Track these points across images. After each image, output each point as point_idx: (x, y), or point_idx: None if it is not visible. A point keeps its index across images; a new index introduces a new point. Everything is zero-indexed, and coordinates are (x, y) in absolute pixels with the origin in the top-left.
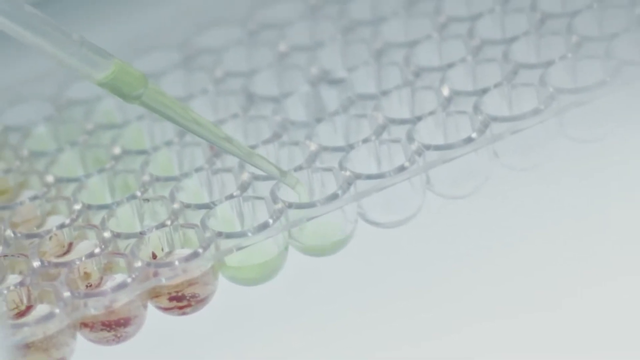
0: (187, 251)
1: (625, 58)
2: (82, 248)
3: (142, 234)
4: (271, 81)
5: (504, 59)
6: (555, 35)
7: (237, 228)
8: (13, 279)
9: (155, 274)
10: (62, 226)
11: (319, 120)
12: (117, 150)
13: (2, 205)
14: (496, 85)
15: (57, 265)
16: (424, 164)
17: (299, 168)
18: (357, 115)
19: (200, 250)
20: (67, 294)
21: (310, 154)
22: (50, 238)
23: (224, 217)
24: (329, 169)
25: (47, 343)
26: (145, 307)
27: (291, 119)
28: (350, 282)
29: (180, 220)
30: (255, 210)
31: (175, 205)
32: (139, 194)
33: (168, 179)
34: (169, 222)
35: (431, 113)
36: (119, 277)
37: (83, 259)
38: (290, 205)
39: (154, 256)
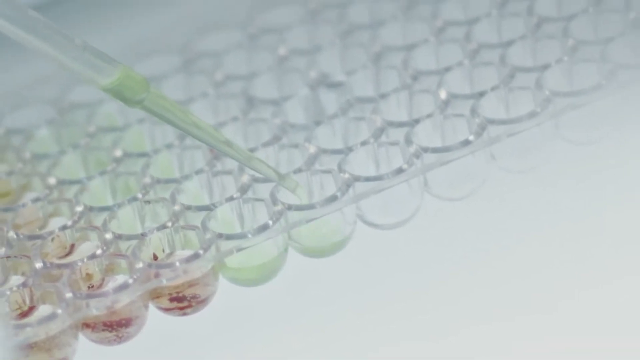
0: (187, 252)
1: (620, 61)
2: (84, 249)
3: (143, 235)
4: (271, 84)
5: (500, 62)
6: (551, 39)
7: (237, 230)
8: (16, 280)
9: (157, 275)
10: (64, 228)
11: (318, 123)
12: (118, 153)
13: (4, 207)
14: (493, 89)
15: (59, 266)
16: (421, 166)
17: (299, 170)
18: (355, 118)
19: (201, 252)
20: (69, 294)
21: (310, 156)
22: (53, 239)
23: (224, 218)
24: (328, 171)
25: (50, 343)
26: (146, 307)
27: (291, 121)
28: (349, 283)
29: (181, 222)
30: (255, 212)
31: (176, 207)
32: (140, 196)
33: (169, 181)
34: (169, 224)
35: (429, 116)
36: (120, 278)
37: (85, 260)
38: (289, 207)
39: (155, 257)
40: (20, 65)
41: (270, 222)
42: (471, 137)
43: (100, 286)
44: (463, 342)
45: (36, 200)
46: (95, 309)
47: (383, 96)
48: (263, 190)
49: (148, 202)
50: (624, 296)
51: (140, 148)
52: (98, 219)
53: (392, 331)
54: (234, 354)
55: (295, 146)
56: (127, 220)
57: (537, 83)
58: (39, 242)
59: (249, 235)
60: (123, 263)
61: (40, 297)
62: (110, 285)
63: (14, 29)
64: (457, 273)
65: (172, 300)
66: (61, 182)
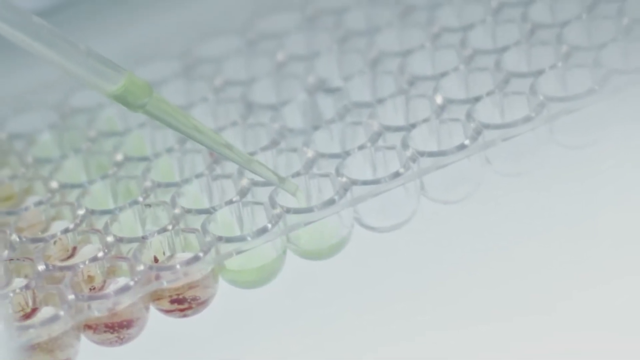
0: (188, 255)
1: (613, 67)
2: (85, 252)
3: (144, 238)
4: (269, 90)
5: (495, 68)
6: (545, 45)
7: (237, 232)
8: (19, 282)
9: (157, 277)
10: (66, 231)
11: (316, 128)
12: (119, 157)
13: (7, 210)
14: (488, 94)
15: (61, 268)
16: (418, 170)
17: (297, 174)
18: (353, 122)
19: (201, 254)
20: (71, 296)
21: (308, 160)
22: (55, 242)
23: (224, 221)
24: (325, 175)
25: (52, 344)
26: (147, 309)
27: (289, 126)
28: (347, 285)
29: (181, 225)
30: (254, 215)
31: (176, 211)
32: (141, 199)
33: (169, 185)
34: (170, 227)
35: (425, 120)
36: (121, 281)
37: (87, 262)
38: (288, 210)
39: (156, 260)
40: (22, 70)
41: (269, 225)
42: (467, 142)
43: (101, 288)
44: (461, 343)
45: (38, 203)
46: (97, 311)
47: (380, 101)
48: (262, 193)
49: (149, 205)
50: (620, 297)
51: (141, 152)
52: (99, 222)
53: (390, 332)
54: (234, 355)
55: (294, 150)
56: (128, 223)
57: (531, 88)
58: (41, 245)
59: (249, 238)
60: (124, 265)
61: (42, 299)
62: (111, 287)
63: (19, 35)
64: (453, 275)
65: (172, 302)
66: (63, 186)
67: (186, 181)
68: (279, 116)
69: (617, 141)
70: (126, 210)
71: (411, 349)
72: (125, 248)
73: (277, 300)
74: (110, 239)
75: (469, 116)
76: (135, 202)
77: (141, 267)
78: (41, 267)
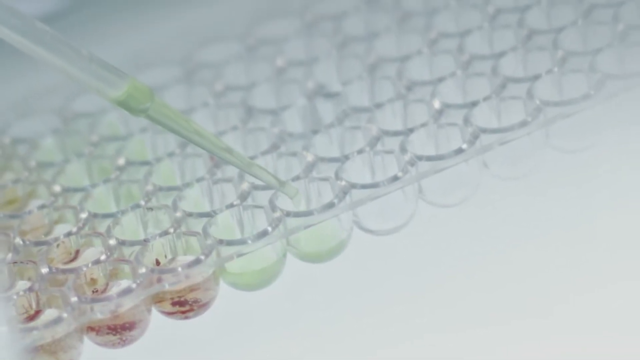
0: (189, 258)
1: (608, 72)
2: (88, 255)
3: (146, 241)
4: (269, 95)
5: (492, 73)
6: (541, 50)
7: (237, 236)
8: (22, 284)
9: (159, 280)
10: (69, 234)
11: (315, 132)
12: (121, 161)
13: (11, 214)
14: (485, 99)
15: (64, 271)
16: (416, 173)
17: (297, 178)
18: (351, 127)
19: (202, 257)
20: (74, 299)
21: (307, 164)
22: (58, 245)
23: (225, 225)
24: (325, 179)
25: (55, 346)
26: (149, 311)
27: (289, 130)
28: (346, 287)
29: (183, 228)
30: (254, 219)
31: (178, 214)
32: (142, 203)
33: (170, 189)
34: (171, 230)
35: (423, 125)
36: (124, 283)
37: (89, 265)
38: (288, 214)
39: (158, 263)
40: (25, 76)
41: (270, 229)
42: (464, 146)
43: (104, 291)
44: (459, 345)
45: (42, 207)
46: (100, 313)
47: (378, 106)
48: (262, 197)
49: (151, 209)
50: (617, 300)
51: (142, 157)
52: (102, 226)
53: (388, 334)
54: (235, 356)
55: (294, 154)
56: (130, 226)
57: (528, 93)
58: (44, 248)
59: (249, 241)
60: (126, 268)
61: (46, 301)
62: (114, 289)
63: (22, 40)
64: (451, 277)
65: (174, 304)
66: (66, 190)
67: (187, 185)
68: (278, 121)
69: (612, 145)
70: (128, 213)
71: (410, 351)
72: (127, 251)
73: (277, 302)
74: (112, 242)
75: (466, 120)
76: (137, 206)
77: (143, 270)
78: (44, 270)
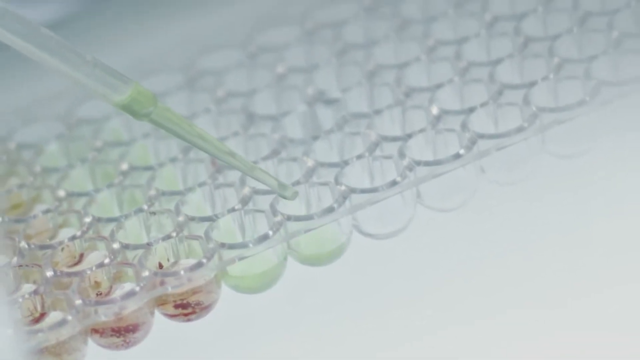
0: (191, 261)
1: (603, 79)
2: (92, 258)
3: (149, 245)
4: (270, 101)
5: (489, 79)
6: (537, 57)
7: (239, 239)
8: (28, 287)
9: (162, 283)
10: (73, 238)
11: (315, 138)
12: (124, 167)
13: (16, 218)
14: (482, 105)
15: (69, 274)
16: (414, 178)
17: (297, 183)
18: (351, 133)
19: (204, 261)
20: (78, 301)
21: (308, 169)
22: (62, 249)
23: (227, 229)
24: (325, 184)
25: (60, 348)
26: (152, 314)
27: (289, 136)
28: (346, 290)
29: (185, 232)
30: (255, 223)
31: (180, 218)
32: (145, 207)
33: (173, 194)
34: (174, 234)
35: (421, 131)
36: (127, 286)
37: (93, 268)
38: (289, 218)
39: (160, 266)
40: (30, 83)
41: (270, 232)
42: (462, 151)
43: (108, 294)
44: (456, 347)
45: (46, 211)
46: (104, 316)
47: (377, 112)
48: (263, 201)
49: (153, 213)
50: (613, 304)
51: (145, 162)
52: (106, 230)
53: (388, 336)
54: (236, 358)
55: (294, 160)
56: (133, 230)
57: (524, 99)
58: (49, 251)
59: (250, 245)
60: (130, 271)
61: (51, 304)
62: (117, 292)
63: (28, 46)
64: (449, 280)
65: (176, 307)
66: (70, 195)
67: (189, 190)
68: (279, 126)
69: (608, 151)
70: (131, 218)
71: (409, 353)
72: (130, 254)
73: (278, 305)
74: (116, 245)
75: (463, 126)
76: (140, 210)
77: (146, 273)
78: (49, 273)
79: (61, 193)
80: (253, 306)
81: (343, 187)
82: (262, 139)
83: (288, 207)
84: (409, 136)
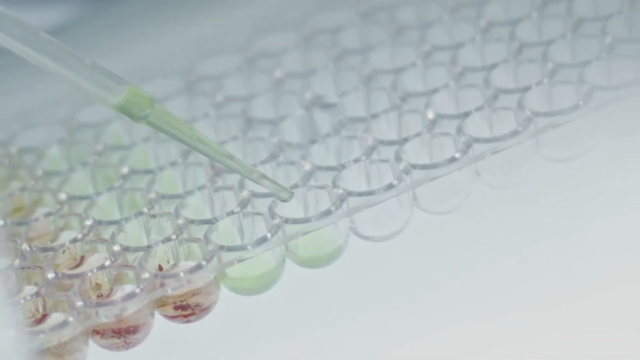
0: (191, 263)
1: (596, 83)
2: (93, 261)
3: (149, 247)
4: (268, 105)
5: (484, 84)
6: (531, 62)
7: (238, 242)
8: (29, 289)
9: (162, 285)
10: (74, 240)
11: (313, 142)
12: (125, 170)
13: (18, 221)
14: (477, 109)
15: (70, 276)
16: (410, 182)
17: (295, 186)
18: (348, 137)
19: (204, 263)
20: (79, 303)
21: (305, 173)
22: (64, 251)
23: (225, 231)
24: (322, 187)
25: (61, 349)
26: (152, 315)
27: (287, 140)
28: (344, 291)
29: (185, 235)
30: (254, 225)
31: (180, 221)
32: (145, 210)
33: (173, 197)
34: (174, 237)
35: (417, 135)
36: (128, 288)
37: (94, 270)
38: (287, 221)
39: (160, 268)
40: (31, 88)
41: (269, 235)
42: (457, 155)
43: (109, 295)
44: (453, 347)
45: (48, 214)
46: (105, 317)
47: (374, 116)
48: (262, 204)
49: (153, 216)
50: (608, 308)
51: (145, 165)
52: (106, 232)
53: (385, 337)
54: (235, 358)
55: (292, 163)
56: (133, 233)
57: (518, 104)
58: (50, 254)
59: (249, 247)
60: (130, 273)
61: (52, 305)
62: (118, 294)
63: (28, 50)
64: (445, 282)
65: (176, 308)
66: (71, 198)
67: (189, 193)
68: (277, 131)
69: (601, 154)
70: (132, 220)
71: (407, 353)
72: (131, 257)
73: (277, 306)
74: (116, 248)
75: (459, 130)
76: (141, 213)
77: (146, 275)
78: (51, 275)
79: (62, 196)
80: (251, 307)
81: (340, 190)
82: (261, 142)
83: (286, 210)
84: (405, 140)
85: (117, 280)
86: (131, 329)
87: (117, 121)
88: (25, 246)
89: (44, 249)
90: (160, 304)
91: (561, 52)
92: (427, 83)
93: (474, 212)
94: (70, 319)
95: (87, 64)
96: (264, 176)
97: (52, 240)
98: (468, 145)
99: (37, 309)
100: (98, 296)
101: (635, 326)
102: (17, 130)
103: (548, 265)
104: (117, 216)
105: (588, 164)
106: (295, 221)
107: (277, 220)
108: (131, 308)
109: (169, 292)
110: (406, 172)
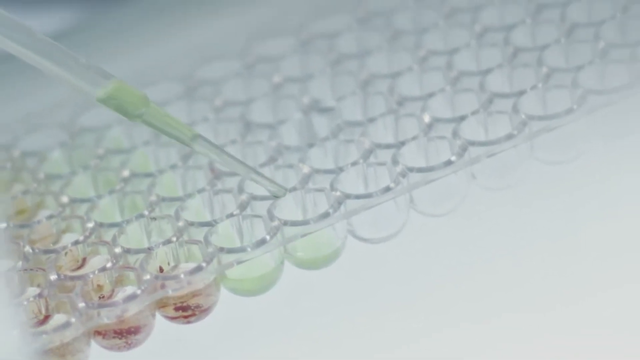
0: (191, 265)
1: (590, 87)
2: (95, 263)
3: (150, 249)
4: (267, 110)
5: (480, 88)
6: (526, 67)
7: (237, 244)
8: (32, 291)
9: (163, 286)
10: (76, 243)
11: (311, 145)
12: (125, 173)
13: (21, 223)
14: (473, 113)
15: (72, 278)
16: (407, 184)
17: (293, 189)
18: (345, 140)
19: (204, 264)
20: (81, 304)
21: (304, 176)
22: (66, 253)
23: (225, 233)
24: (320, 190)
25: (64, 350)
26: (153, 316)
27: (285, 144)
28: (341, 293)
29: (185, 237)
30: (253, 228)
31: (180, 223)
32: (146, 213)
33: (173, 199)
34: (174, 239)
35: (414, 138)
36: (129, 289)
37: (96, 272)
38: (285, 223)
39: (161, 270)
40: (34, 92)
41: (268, 237)
42: (453, 158)
43: (110, 296)
44: (449, 349)
45: (50, 217)
46: (106, 318)
47: (371, 120)
48: (261, 207)
49: (154, 218)
50: (602, 310)
51: (146, 169)
52: (108, 235)
53: (382, 338)
54: (234, 359)
55: (290, 166)
56: (134, 235)
57: (513, 108)
58: (53, 256)
59: (248, 249)
60: (131, 275)
61: (55, 306)
62: (119, 295)
63: (20, 49)
64: (441, 283)
65: (177, 309)
66: (73, 201)
67: (189, 196)
68: (276, 134)
69: (594, 157)
70: (133, 223)
71: (404, 355)
72: (132, 259)
73: (276, 307)
74: (118, 250)
75: (455, 134)
76: (141, 216)
77: (147, 277)
78: (53, 277)
79: (64, 199)
80: (251, 309)
81: (338, 193)
82: (259, 146)
83: (285, 212)
84: (402, 143)
85: (119, 282)
86: (132, 329)
87: (118, 125)
88: (28, 248)
89: (47, 251)
90: (161, 305)
91: (555, 56)
92: (423, 87)
93: (470, 215)
94: (73, 320)
95: (82, 63)
96: (257, 172)
97: (55, 243)
98: (464, 149)
99: (40, 310)
100: (100, 297)
101: (630, 328)
102: (20, 134)
103: (543, 268)
104: (118, 219)
105: (582, 167)
106: (294, 223)
107: (276, 223)
108: (132, 309)
109: (170, 293)
110: (403, 175)
